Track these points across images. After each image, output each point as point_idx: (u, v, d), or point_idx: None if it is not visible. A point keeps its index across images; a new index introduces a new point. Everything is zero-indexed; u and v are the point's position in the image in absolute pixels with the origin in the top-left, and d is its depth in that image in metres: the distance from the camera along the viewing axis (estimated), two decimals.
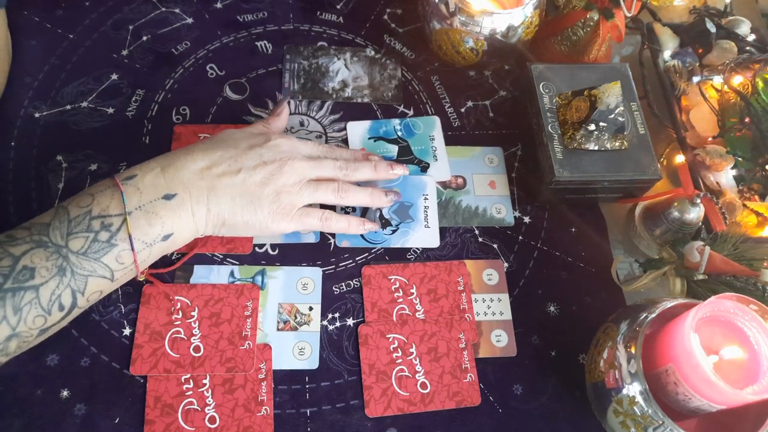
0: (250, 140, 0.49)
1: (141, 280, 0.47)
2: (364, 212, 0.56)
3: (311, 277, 0.53)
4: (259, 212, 0.47)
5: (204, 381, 0.47)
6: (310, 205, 0.51)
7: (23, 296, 0.39)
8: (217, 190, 0.46)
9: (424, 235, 0.56)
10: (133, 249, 0.43)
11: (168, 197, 0.44)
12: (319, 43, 0.65)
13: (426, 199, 0.57)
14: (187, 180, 0.45)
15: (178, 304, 0.50)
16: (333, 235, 0.55)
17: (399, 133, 0.61)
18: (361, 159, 0.55)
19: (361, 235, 0.55)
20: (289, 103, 0.60)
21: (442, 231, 0.56)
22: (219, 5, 0.66)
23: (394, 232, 0.56)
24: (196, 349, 0.48)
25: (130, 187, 0.44)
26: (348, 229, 0.53)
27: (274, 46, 0.64)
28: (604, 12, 0.60)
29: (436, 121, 0.62)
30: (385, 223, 0.56)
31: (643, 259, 0.54)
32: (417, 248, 0.55)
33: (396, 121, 0.61)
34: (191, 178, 0.45)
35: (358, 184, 0.54)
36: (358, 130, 0.60)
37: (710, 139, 0.60)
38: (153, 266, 0.50)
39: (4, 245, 0.40)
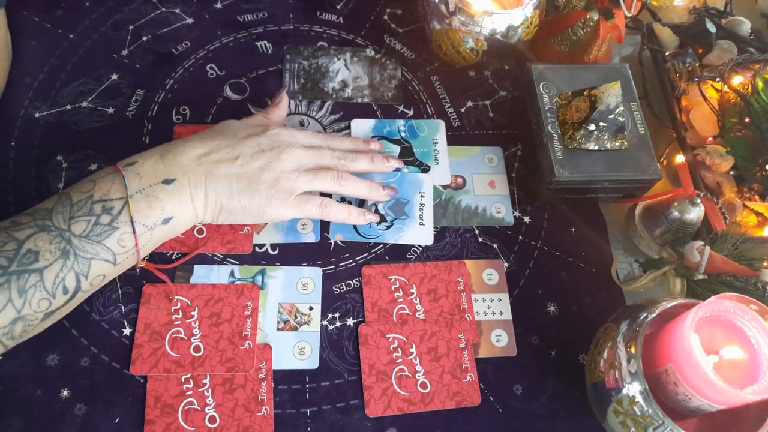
0: (248, 130, 0.50)
1: (141, 266, 0.48)
2: (359, 207, 0.56)
3: (311, 276, 0.53)
4: (257, 197, 0.48)
5: (204, 381, 0.47)
6: (310, 194, 0.51)
7: (28, 279, 0.39)
8: (214, 176, 0.47)
9: (418, 232, 0.56)
10: (134, 232, 0.43)
11: (167, 182, 0.45)
12: (319, 43, 0.65)
13: (422, 196, 0.57)
14: (185, 166, 0.46)
15: (178, 303, 0.50)
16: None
17: (402, 134, 0.61)
18: (361, 148, 0.56)
19: (356, 230, 0.55)
20: (290, 103, 0.60)
21: (442, 231, 0.56)
22: (219, 5, 0.66)
23: (388, 227, 0.56)
24: (196, 348, 0.48)
25: (131, 172, 0.45)
26: (348, 219, 0.53)
27: (274, 46, 0.64)
28: (604, 12, 0.60)
29: (441, 125, 0.62)
30: (380, 218, 0.56)
31: (643, 259, 0.54)
32: (416, 248, 0.55)
33: (400, 122, 0.61)
34: (189, 164, 0.46)
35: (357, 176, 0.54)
36: (362, 127, 0.61)
37: (710, 139, 0.60)
38: (154, 263, 0.50)
39: (8, 230, 0.40)
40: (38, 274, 0.40)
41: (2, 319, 0.39)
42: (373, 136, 0.60)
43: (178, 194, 0.45)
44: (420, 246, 0.55)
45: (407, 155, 0.60)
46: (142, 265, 0.47)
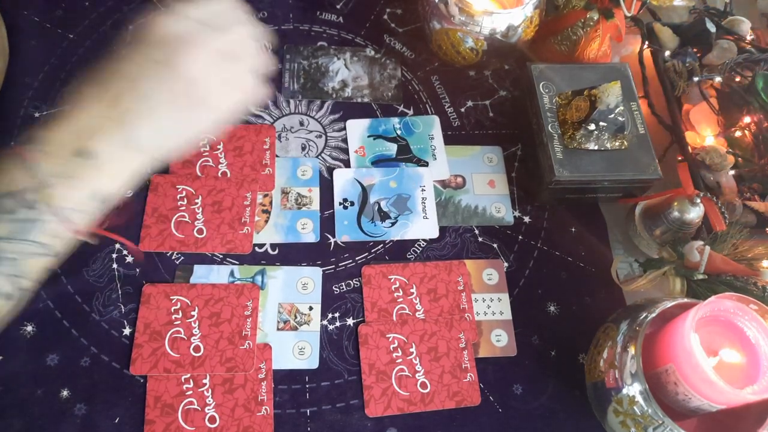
0: None
1: (94, 243, 0.40)
2: (362, 206, 0.56)
3: (311, 276, 0.53)
4: None
5: (204, 381, 0.47)
6: None
7: None
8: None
9: (423, 226, 0.56)
10: (61, 219, 0.37)
11: (80, 153, 0.37)
12: (319, 43, 0.65)
13: (423, 190, 0.57)
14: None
15: (178, 303, 0.50)
16: (333, 234, 0.55)
17: (398, 132, 0.61)
18: None
19: (361, 230, 0.55)
20: (290, 102, 0.61)
21: (442, 230, 0.56)
22: None
23: (393, 224, 0.56)
24: (196, 348, 0.48)
25: (36, 153, 0.36)
26: None
27: (274, 46, 0.64)
28: (604, 12, 0.60)
29: (435, 120, 0.62)
30: (383, 215, 0.56)
31: (643, 259, 0.54)
32: (416, 248, 0.55)
33: (395, 120, 0.61)
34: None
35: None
36: (357, 128, 0.60)
37: (710, 138, 0.60)
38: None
39: None
40: None
41: None
42: (369, 136, 0.60)
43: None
44: (425, 240, 0.55)
45: (404, 153, 0.60)
46: (95, 243, 0.39)
